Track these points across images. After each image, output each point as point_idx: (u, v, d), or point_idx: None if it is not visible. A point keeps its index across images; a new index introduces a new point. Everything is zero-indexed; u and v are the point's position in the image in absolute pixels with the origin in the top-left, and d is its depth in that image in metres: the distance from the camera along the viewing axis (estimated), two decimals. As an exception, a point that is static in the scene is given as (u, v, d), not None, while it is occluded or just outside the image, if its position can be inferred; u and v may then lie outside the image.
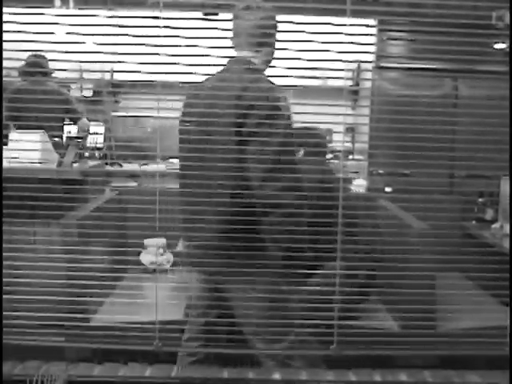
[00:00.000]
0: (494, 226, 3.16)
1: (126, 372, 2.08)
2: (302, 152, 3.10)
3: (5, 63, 2.09)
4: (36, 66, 3.72)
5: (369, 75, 4.97)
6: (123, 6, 2.19)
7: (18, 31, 2.02)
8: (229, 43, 2.19)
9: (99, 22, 2.13)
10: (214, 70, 2.17)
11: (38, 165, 2.79)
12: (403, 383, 2.09)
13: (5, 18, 2.02)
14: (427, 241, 2.48)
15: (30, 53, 3.44)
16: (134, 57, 2.20)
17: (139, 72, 2.15)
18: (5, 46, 2.02)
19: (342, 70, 2.47)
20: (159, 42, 1.99)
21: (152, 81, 2.07)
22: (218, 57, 2.11)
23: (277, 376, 2.11)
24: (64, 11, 4.44)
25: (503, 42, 4.25)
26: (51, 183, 2.62)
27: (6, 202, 2.24)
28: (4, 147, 2.71)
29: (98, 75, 4.75)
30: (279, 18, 2.18)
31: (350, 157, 4.68)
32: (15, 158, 2.76)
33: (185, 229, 2.22)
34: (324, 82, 4.35)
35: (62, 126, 4.11)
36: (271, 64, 2.20)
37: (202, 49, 2.04)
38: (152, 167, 4.35)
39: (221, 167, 1.98)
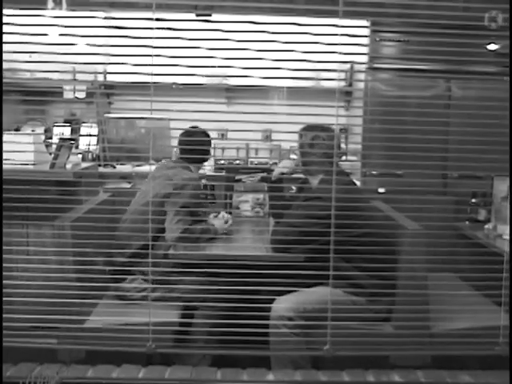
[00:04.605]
0: (486, 226, 3.17)
1: (120, 374, 2.08)
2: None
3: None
4: None
5: (362, 76, 4.98)
6: (117, 7, 2.18)
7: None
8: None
9: (92, 23, 2.12)
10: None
11: (31, 166, 2.77)
12: (396, 383, 2.09)
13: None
14: (420, 241, 2.49)
15: None
16: (127, 58, 2.21)
17: (133, 74, 2.16)
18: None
19: (335, 70, 2.47)
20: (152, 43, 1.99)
21: (145, 82, 2.06)
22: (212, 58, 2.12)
23: (271, 377, 2.11)
24: (57, 12, 4.41)
25: (495, 43, 4.27)
26: (44, 185, 2.60)
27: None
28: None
29: (91, 76, 4.72)
30: (276, 19, 2.17)
31: (344, 158, 4.69)
32: (8, 159, 2.74)
33: None
34: (317, 83, 4.36)
35: None
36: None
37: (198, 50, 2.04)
38: (145, 168, 4.33)
39: None
